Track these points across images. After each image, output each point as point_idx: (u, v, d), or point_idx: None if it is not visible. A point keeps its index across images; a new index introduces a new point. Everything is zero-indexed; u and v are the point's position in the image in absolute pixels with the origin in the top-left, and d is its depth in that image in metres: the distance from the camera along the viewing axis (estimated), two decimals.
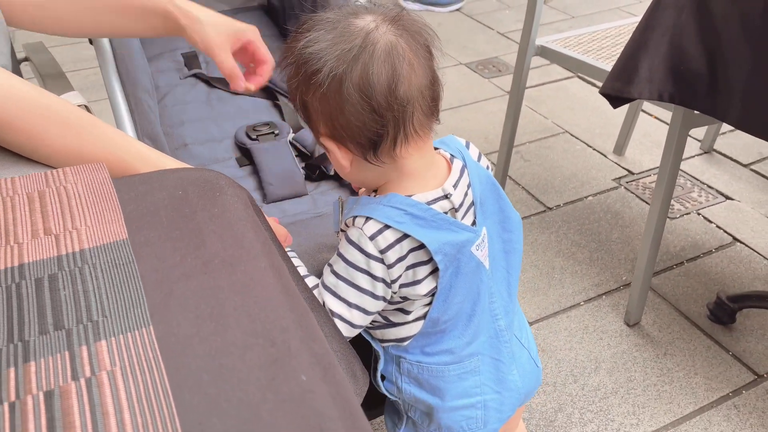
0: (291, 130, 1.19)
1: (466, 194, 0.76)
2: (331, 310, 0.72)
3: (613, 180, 1.94)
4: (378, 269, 0.71)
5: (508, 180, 1.93)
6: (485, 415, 0.82)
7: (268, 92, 1.28)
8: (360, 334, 0.82)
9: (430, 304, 0.76)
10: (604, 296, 1.53)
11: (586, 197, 1.87)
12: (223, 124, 1.22)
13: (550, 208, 1.82)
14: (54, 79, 0.96)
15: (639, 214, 1.80)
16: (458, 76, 2.53)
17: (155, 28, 0.88)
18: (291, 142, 1.17)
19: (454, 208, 0.74)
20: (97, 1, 0.86)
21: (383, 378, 0.83)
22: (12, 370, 0.38)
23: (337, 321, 0.72)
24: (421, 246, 0.71)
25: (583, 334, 1.43)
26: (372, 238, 0.70)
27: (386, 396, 0.89)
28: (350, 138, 0.69)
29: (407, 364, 0.80)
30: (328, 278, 0.73)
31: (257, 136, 1.16)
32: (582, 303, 1.51)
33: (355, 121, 0.67)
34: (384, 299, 0.73)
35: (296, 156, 1.15)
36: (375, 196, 0.75)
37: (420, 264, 0.72)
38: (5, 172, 0.64)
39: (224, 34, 0.87)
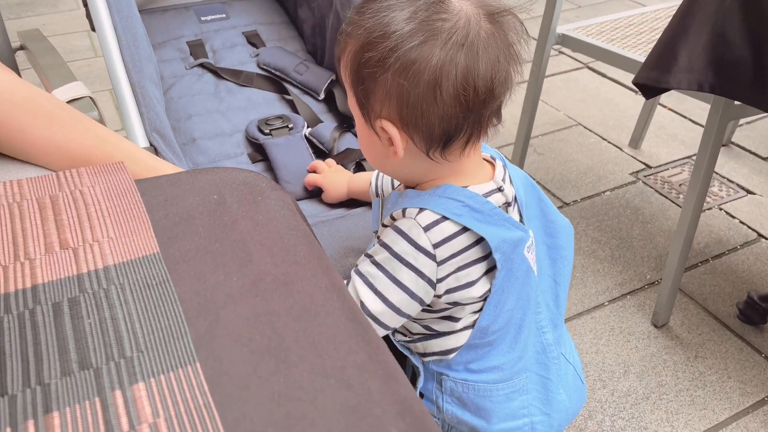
0: (306, 124, 1.12)
1: (513, 192, 0.70)
2: (361, 302, 0.64)
3: (631, 174, 1.88)
4: (426, 266, 0.63)
5: None
6: None
7: (278, 84, 1.20)
8: (396, 347, 0.75)
9: (479, 311, 0.69)
10: (628, 296, 1.47)
11: (603, 192, 1.81)
12: (233, 117, 1.14)
13: (567, 204, 1.76)
14: (54, 69, 0.88)
15: (659, 209, 1.74)
16: None
17: None
18: (307, 137, 1.10)
19: (507, 202, 0.68)
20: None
21: (422, 396, 0.76)
22: (31, 423, 0.31)
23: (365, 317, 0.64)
24: (477, 243, 0.64)
25: (609, 336, 1.37)
26: (427, 229, 0.63)
27: None
28: (422, 129, 0.61)
29: (450, 382, 0.72)
30: (366, 267, 0.65)
31: (270, 130, 1.08)
32: (606, 303, 1.45)
33: (440, 112, 0.60)
34: (421, 303, 0.66)
35: (312, 153, 1.08)
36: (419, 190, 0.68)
37: (474, 263, 0.65)
38: (6, 174, 0.57)
39: None
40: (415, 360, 0.74)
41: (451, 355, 0.71)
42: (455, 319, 0.69)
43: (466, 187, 0.66)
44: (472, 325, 0.69)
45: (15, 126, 0.57)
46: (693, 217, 1.25)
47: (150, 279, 0.39)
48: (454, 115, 0.60)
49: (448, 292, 0.66)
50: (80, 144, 0.59)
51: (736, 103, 1.15)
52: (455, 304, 0.68)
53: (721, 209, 1.74)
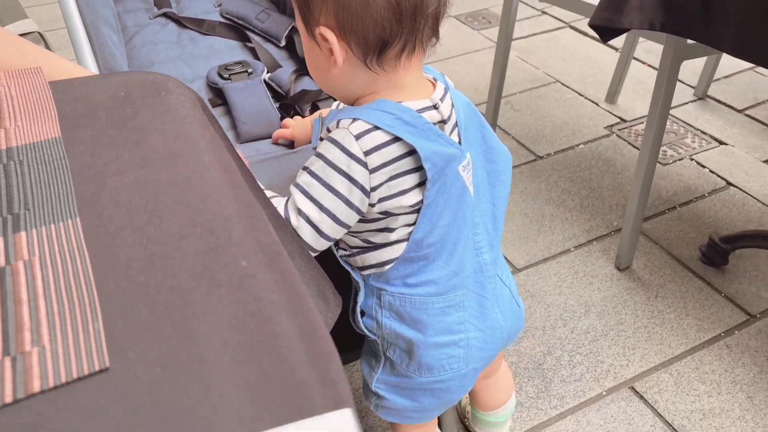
0: (265, 69, 1.14)
1: (451, 112, 0.73)
2: (299, 209, 0.68)
3: (605, 128, 1.90)
4: (359, 173, 0.66)
5: (498, 130, 1.88)
6: (467, 354, 0.79)
7: (240, 32, 1.22)
8: (339, 264, 0.78)
9: (413, 224, 0.72)
10: (594, 242, 1.50)
11: (577, 145, 1.83)
12: (195, 64, 1.16)
13: (540, 157, 1.78)
14: (7, 10, 0.90)
15: (631, 161, 1.76)
16: (448, 28, 2.46)
17: None
18: (266, 82, 1.12)
19: (442, 120, 0.71)
20: None
21: (362, 314, 0.80)
22: None
23: (303, 224, 0.68)
24: (408, 154, 0.68)
25: (573, 278, 1.41)
26: (358, 137, 0.66)
27: (364, 339, 0.86)
28: (358, 34, 0.65)
29: (389, 296, 0.76)
30: (302, 177, 0.69)
31: (230, 75, 1.11)
32: (572, 249, 1.48)
33: (374, 16, 0.63)
34: (359, 212, 0.69)
35: (271, 96, 1.10)
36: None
37: (405, 173, 0.68)
38: None
39: None
40: (355, 275, 0.77)
41: (387, 267, 0.74)
42: (390, 230, 0.72)
43: (401, 102, 0.69)
44: (407, 238, 0.73)
45: None
46: (650, 159, 1.28)
47: (47, 157, 0.42)
48: (387, 19, 0.63)
49: (381, 200, 0.69)
50: (13, 62, 0.62)
51: (689, 42, 1.16)
52: (388, 213, 0.71)
53: (692, 159, 1.76)
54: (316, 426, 0.26)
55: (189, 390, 0.28)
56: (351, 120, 0.67)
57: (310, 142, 0.97)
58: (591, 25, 1.18)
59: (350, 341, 0.88)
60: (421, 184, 0.70)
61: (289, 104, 1.08)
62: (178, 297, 0.32)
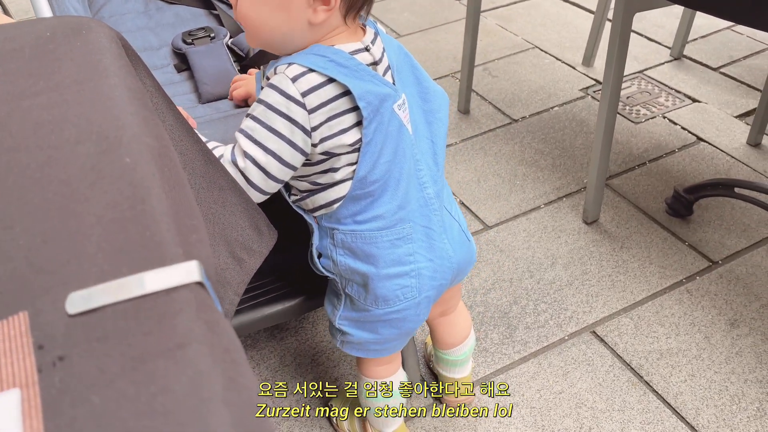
0: (228, 34, 1.18)
1: (383, 54, 0.77)
2: (245, 152, 0.72)
3: (580, 90, 1.92)
4: (298, 114, 0.71)
5: (474, 95, 1.91)
6: (419, 284, 0.84)
7: (206, 1, 1.26)
8: (292, 207, 0.83)
9: (355, 164, 0.76)
10: (564, 198, 1.54)
11: (552, 108, 1.85)
12: (162, 33, 1.20)
13: (515, 120, 1.81)
14: None
15: None
16: None
17: None
18: (228, 46, 1.16)
19: (375, 61, 0.76)
20: None
21: (320, 256, 0.85)
22: None
23: (250, 166, 0.72)
24: (344, 94, 0.72)
25: (542, 233, 1.45)
26: (294, 80, 0.70)
27: (327, 282, 0.90)
28: None
29: (341, 235, 0.81)
30: (245, 122, 0.73)
31: (193, 40, 1.15)
32: (542, 206, 1.52)
33: None
34: (303, 152, 0.73)
35: (234, 60, 1.14)
36: None
37: (343, 113, 0.73)
38: None
39: None
40: (308, 218, 0.82)
41: (336, 206, 0.79)
42: (335, 170, 0.77)
43: (333, 45, 0.73)
44: (351, 177, 0.77)
45: None
46: (609, 111, 1.31)
47: None
48: None
49: (322, 141, 0.73)
50: None
51: None
52: (330, 154, 0.75)
53: (665, 118, 1.78)
54: (166, 274, 0.31)
55: (62, 255, 0.32)
56: (287, 65, 0.72)
57: None
58: None
59: (315, 287, 0.93)
60: (359, 124, 0.74)
61: (249, 65, 1.12)
62: (66, 188, 0.37)
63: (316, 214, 0.82)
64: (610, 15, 2.14)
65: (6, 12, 0.85)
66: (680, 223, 1.44)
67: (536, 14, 2.36)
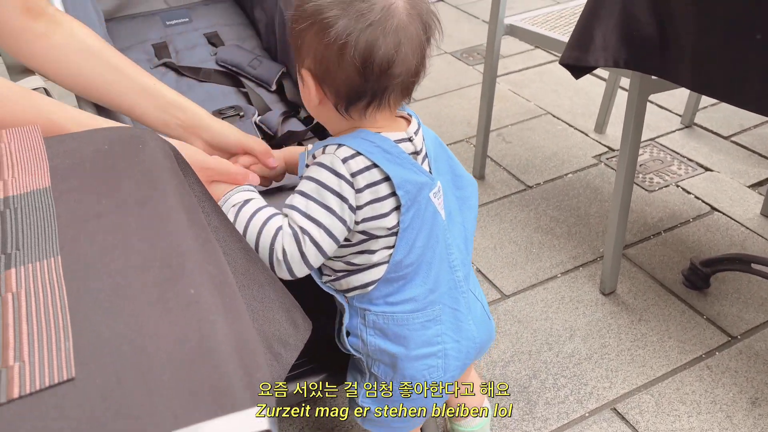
0: (257, 113, 1.22)
1: (423, 145, 0.81)
2: (301, 227, 0.75)
3: (594, 157, 1.96)
4: (348, 191, 0.75)
5: (489, 161, 1.95)
6: (445, 364, 0.86)
7: (235, 79, 1.31)
8: (325, 291, 0.85)
9: (392, 247, 0.79)
10: (580, 268, 1.55)
11: (566, 174, 1.89)
12: None
13: (530, 187, 1.84)
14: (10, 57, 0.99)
15: None
16: (443, 64, 2.56)
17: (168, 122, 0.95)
18: (257, 124, 1.21)
19: (416, 151, 0.80)
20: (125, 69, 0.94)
21: (348, 334, 0.86)
22: None
23: (307, 240, 0.74)
24: (385, 180, 0.76)
25: (560, 304, 1.45)
26: (345, 161, 0.75)
27: (349, 359, 0.92)
28: (331, 85, 0.75)
29: (373, 316, 0.83)
30: (297, 199, 0.76)
31: (223, 118, 1.19)
32: (559, 275, 1.53)
33: (343, 75, 0.73)
34: (348, 228, 0.76)
35: (261, 138, 1.18)
36: None
37: (384, 198, 0.76)
38: None
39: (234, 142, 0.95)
40: (340, 298, 0.84)
41: (370, 288, 0.81)
42: (371, 252, 0.80)
43: (380, 132, 0.78)
44: (387, 261, 0.80)
45: None
46: (626, 186, 1.33)
47: (38, 204, 0.49)
48: (353, 80, 0.73)
49: (364, 221, 0.77)
50: (22, 114, 0.70)
51: (654, 77, 1.23)
52: (368, 235, 0.78)
53: (678, 186, 1.81)
54: (236, 420, 0.33)
55: (137, 397, 0.34)
56: (336, 146, 0.76)
57: (284, 176, 1.05)
58: (562, 64, 1.25)
59: (337, 362, 0.94)
60: (397, 209, 0.78)
61: (276, 144, 1.15)
62: (134, 319, 0.39)
63: (349, 294, 0.84)
64: (622, 83, 2.20)
65: (48, 93, 0.89)
66: (697, 296, 1.45)
67: (548, 80, 2.42)
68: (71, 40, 0.91)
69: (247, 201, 0.79)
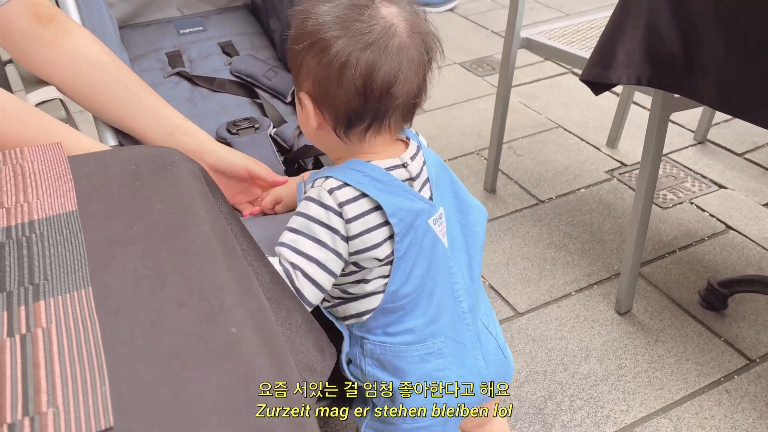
0: (272, 125, 1.20)
1: (422, 169, 0.78)
2: (292, 263, 0.73)
3: (606, 172, 1.94)
4: (337, 222, 0.73)
5: (500, 174, 1.93)
6: (447, 400, 0.82)
7: (249, 90, 1.29)
8: (324, 316, 0.83)
9: (387, 277, 0.76)
10: (595, 286, 1.53)
11: (578, 189, 1.87)
12: (206, 121, 1.23)
13: (542, 201, 1.82)
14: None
15: (631, 205, 1.78)
16: (453, 75, 2.54)
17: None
18: (272, 136, 1.18)
19: (411, 177, 0.77)
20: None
21: (349, 362, 0.84)
22: None
23: (300, 277, 0.72)
24: (377, 209, 0.73)
25: (574, 323, 1.43)
26: (331, 192, 0.73)
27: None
28: (330, 108, 0.73)
29: (371, 345, 0.80)
30: (287, 235, 0.75)
31: (237, 130, 1.17)
32: (573, 293, 1.51)
33: (343, 96, 0.71)
34: (343, 260, 0.74)
35: (277, 150, 1.16)
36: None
37: (376, 227, 0.74)
38: None
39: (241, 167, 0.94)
40: (340, 326, 0.82)
41: (366, 317, 0.78)
42: (366, 281, 0.77)
43: (370, 161, 0.75)
44: (383, 290, 0.77)
45: None
46: (645, 205, 1.31)
47: (65, 229, 0.47)
48: (353, 101, 0.70)
49: (357, 252, 0.74)
50: (30, 138, 0.68)
51: (676, 95, 1.21)
52: (360, 267, 0.76)
53: (692, 203, 1.79)
54: None
55: None
56: (324, 178, 0.75)
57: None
58: (582, 80, 1.23)
59: (343, 389, 0.92)
60: (391, 237, 0.75)
61: (292, 158, 1.13)
62: (174, 361, 0.36)
63: (347, 322, 0.82)
64: (636, 97, 2.18)
65: (67, 112, 0.87)
66: (715, 317, 1.42)
67: (558, 92, 2.40)
68: (82, 50, 0.89)
69: None
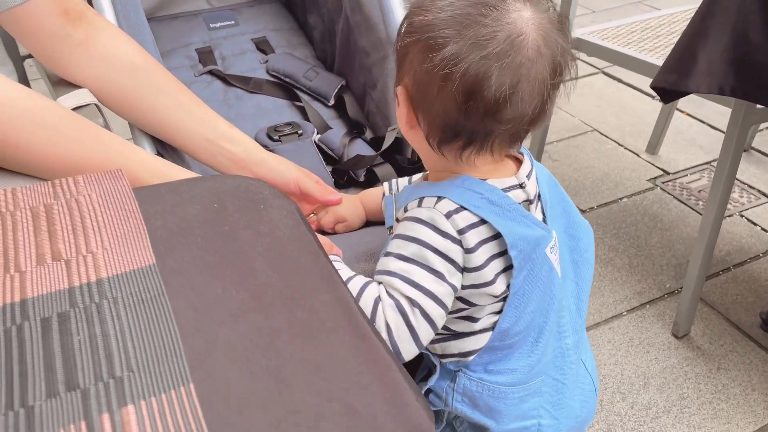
0: (316, 131, 1.10)
1: (536, 190, 0.68)
2: (409, 298, 0.62)
3: (648, 180, 1.84)
4: (455, 252, 0.62)
5: None
6: None
7: (290, 91, 1.18)
8: None
9: (499, 312, 0.66)
10: (647, 305, 1.43)
11: (620, 199, 1.77)
12: (243, 125, 1.11)
13: (583, 211, 1.72)
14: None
15: (678, 216, 1.69)
16: None
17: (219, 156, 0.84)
18: (316, 144, 1.08)
19: (528, 200, 0.67)
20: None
21: (429, 391, 0.74)
22: None
23: (417, 315, 0.61)
24: (494, 238, 0.62)
25: (629, 347, 1.33)
26: (448, 216, 0.61)
27: None
28: (426, 114, 0.63)
29: (465, 380, 0.69)
30: (395, 263, 0.63)
31: (279, 136, 1.07)
32: (625, 313, 1.41)
33: (440, 108, 0.60)
34: (455, 291, 0.64)
35: (323, 159, 1.06)
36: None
37: (492, 259, 0.63)
38: (2, 182, 0.55)
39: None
40: (434, 360, 0.71)
41: (470, 358, 0.68)
42: (474, 320, 0.67)
43: (485, 179, 0.64)
44: (492, 327, 0.67)
45: (13, 142, 0.56)
46: (714, 224, 1.22)
47: (144, 293, 0.37)
48: (453, 115, 0.60)
49: (470, 287, 0.64)
50: (88, 159, 0.57)
51: (759, 106, 1.11)
52: (470, 303, 0.65)
53: (742, 216, 1.70)
54: None
55: None
56: (436, 198, 0.63)
57: (363, 223, 0.91)
58: (653, 87, 1.13)
59: None
60: (506, 269, 0.65)
61: (342, 169, 1.03)
62: None
63: (445, 360, 0.72)
64: (680, 104, 2.08)
65: (103, 118, 0.77)
66: None
67: (590, 94, 2.30)
68: (115, 51, 0.79)
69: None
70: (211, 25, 1.29)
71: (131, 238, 0.41)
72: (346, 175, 1.03)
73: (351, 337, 0.34)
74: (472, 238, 0.62)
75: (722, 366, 1.29)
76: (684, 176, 1.85)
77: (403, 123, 0.66)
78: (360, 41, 1.10)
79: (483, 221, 0.62)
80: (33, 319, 0.35)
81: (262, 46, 1.27)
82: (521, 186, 0.66)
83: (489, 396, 0.70)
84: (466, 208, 0.62)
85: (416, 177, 0.83)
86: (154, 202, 0.44)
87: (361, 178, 1.02)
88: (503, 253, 0.64)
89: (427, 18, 0.60)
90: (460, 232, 0.62)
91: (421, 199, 0.65)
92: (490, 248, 0.63)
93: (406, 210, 0.67)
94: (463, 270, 0.63)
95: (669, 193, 1.79)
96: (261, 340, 0.34)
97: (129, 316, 0.35)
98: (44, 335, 0.34)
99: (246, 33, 1.29)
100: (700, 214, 1.70)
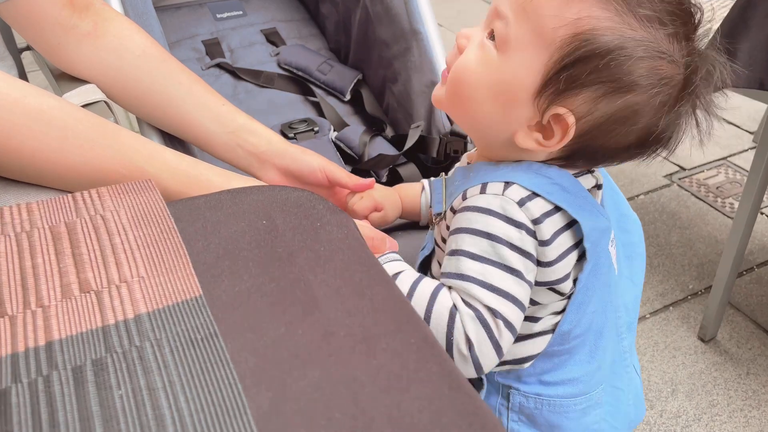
0: (332, 128, 1.04)
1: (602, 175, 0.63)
2: (490, 308, 0.54)
3: (665, 177, 1.79)
4: (530, 245, 0.54)
5: None
6: None
7: (303, 86, 1.12)
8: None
9: (560, 312, 0.60)
10: (671, 307, 1.38)
11: (637, 196, 1.72)
12: None
13: None
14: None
15: (697, 214, 1.65)
16: None
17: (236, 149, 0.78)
18: (333, 142, 1.02)
19: (597, 184, 0.61)
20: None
21: None
22: None
23: (501, 328, 0.54)
24: (568, 227, 0.56)
25: (654, 351, 1.29)
26: (522, 203, 0.54)
27: None
28: (587, 147, 0.56)
29: (520, 397, 0.63)
30: (467, 264, 0.55)
31: (294, 134, 1.01)
32: (648, 315, 1.37)
33: (598, 144, 0.55)
34: (531, 288, 0.57)
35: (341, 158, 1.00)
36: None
37: (567, 252, 0.57)
38: (8, 197, 0.49)
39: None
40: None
41: (527, 364, 0.61)
42: (534, 320, 0.60)
43: (553, 164, 0.57)
44: (552, 330, 0.61)
45: (19, 146, 0.50)
46: (747, 224, 1.17)
47: (194, 332, 0.31)
48: (616, 149, 0.56)
49: (542, 284, 0.57)
50: (103, 163, 0.51)
51: None
52: (534, 302, 0.59)
53: (762, 213, 1.65)
54: None
55: None
56: (503, 184, 0.55)
57: (399, 215, 0.84)
58: None
59: None
60: (576, 263, 0.59)
61: (363, 169, 0.97)
62: None
63: (497, 368, 0.65)
64: None
65: (113, 115, 0.70)
66: None
67: None
68: (125, 43, 0.73)
69: (397, 274, 0.59)
70: (218, 16, 1.23)
71: (170, 263, 0.35)
72: (367, 175, 0.97)
73: (447, 389, 0.29)
74: (547, 228, 0.54)
75: (752, 371, 1.25)
76: (700, 172, 1.81)
77: (528, 141, 0.55)
78: (379, 32, 1.04)
79: (557, 209, 0.55)
80: (63, 368, 0.29)
81: (272, 38, 1.21)
82: (590, 171, 0.60)
83: (549, 412, 0.63)
84: (539, 195, 0.54)
85: (462, 159, 0.75)
86: (194, 220, 0.38)
87: (384, 179, 0.96)
88: (576, 245, 0.58)
89: (620, 37, 0.51)
90: (535, 222, 0.54)
91: (485, 185, 0.56)
92: (565, 239, 0.56)
93: (465, 198, 0.58)
94: (539, 265, 0.56)
95: (686, 190, 1.74)
96: (339, 392, 0.28)
97: (178, 363, 0.29)
98: (77, 390, 0.28)
99: (255, 24, 1.23)
100: (719, 212, 1.65)
